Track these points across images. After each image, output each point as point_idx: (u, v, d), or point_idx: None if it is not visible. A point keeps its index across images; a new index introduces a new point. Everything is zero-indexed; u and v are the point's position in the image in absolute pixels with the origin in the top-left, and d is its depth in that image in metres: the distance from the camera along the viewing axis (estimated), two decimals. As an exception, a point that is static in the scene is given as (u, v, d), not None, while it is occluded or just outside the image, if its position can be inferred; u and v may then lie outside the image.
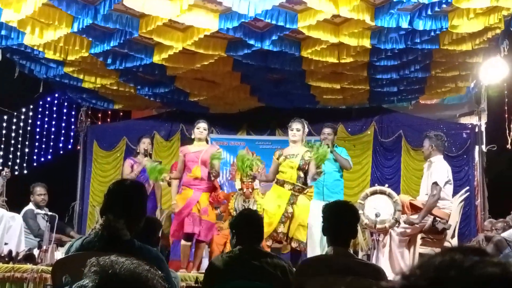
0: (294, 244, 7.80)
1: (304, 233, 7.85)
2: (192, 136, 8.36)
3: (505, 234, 8.12)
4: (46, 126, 12.18)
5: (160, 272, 1.75)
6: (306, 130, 8.30)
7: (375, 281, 3.98)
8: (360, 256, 8.64)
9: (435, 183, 7.33)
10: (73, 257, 3.31)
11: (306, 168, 7.98)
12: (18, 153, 11.56)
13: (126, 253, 3.09)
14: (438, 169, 7.46)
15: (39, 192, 9.08)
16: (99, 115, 13.20)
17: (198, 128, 8.19)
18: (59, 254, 7.20)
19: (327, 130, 8.63)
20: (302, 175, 7.99)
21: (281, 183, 7.99)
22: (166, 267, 3.54)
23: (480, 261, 1.03)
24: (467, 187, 9.86)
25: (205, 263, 7.86)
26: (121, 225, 3.28)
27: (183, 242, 7.96)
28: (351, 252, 4.54)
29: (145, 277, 1.65)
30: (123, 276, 1.63)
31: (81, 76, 10.09)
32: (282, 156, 8.07)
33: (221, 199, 8.79)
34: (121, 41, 7.99)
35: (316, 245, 7.83)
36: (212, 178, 8.08)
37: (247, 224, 4.44)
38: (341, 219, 4.30)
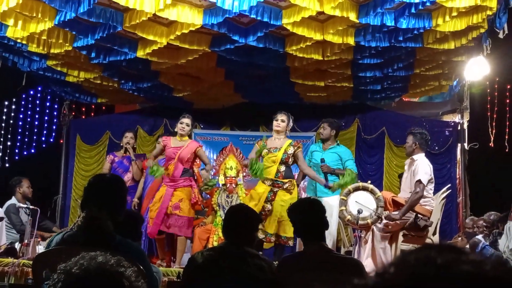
0: (273, 238, 7.85)
1: (283, 228, 7.87)
2: (175, 129, 8.38)
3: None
4: (29, 119, 12.13)
5: (134, 266, 1.75)
6: (290, 124, 8.38)
7: (352, 275, 4.00)
8: (342, 252, 8.68)
9: (419, 181, 7.37)
10: (54, 251, 3.30)
11: (289, 161, 8.05)
12: (0, 147, 11.50)
13: (107, 247, 3.10)
14: (421, 167, 7.49)
15: (28, 184, 9.13)
16: (83, 109, 13.11)
17: (181, 123, 8.21)
18: (41, 248, 7.18)
19: (322, 124, 8.88)
20: (283, 168, 8.04)
21: (263, 180, 8.06)
22: (147, 260, 3.54)
23: (454, 259, 1.04)
24: (449, 185, 9.96)
25: (186, 258, 7.88)
26: (104, 216, 3.27)
27: (157, 236, 8.11)
28: (328, 247, 4.53)
29: (115, 272, 1.65)
30: (90, 272, 1.63)
31: (64, 70, 10.02)
32: (265, 149, 8.13)
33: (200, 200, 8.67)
34: (105, 35, 7.94)
35: None
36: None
37: (233, 219, 4.38)
38: (308, 216, 4.31)
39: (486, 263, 1.04)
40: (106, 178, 3.80)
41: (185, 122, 8.20)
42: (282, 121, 8.22)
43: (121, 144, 9.69)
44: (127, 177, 9.19)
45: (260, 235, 7.90)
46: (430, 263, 1.03)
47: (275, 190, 7.97)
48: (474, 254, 1.07)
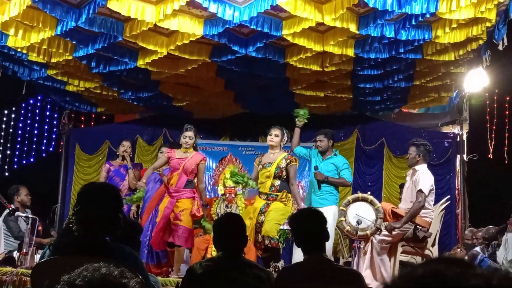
0: (266, 241, 7.87)
1: (275, 230, 7.89)
2: (180, 142, 8.36)
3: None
4: (28, 128, 12.14)
5: (137, 277, 1.75)
6: (285, 138, 8.40)
7: (352, 286, 4.00)
8: (341, 263, 8.66)
9: (420, 191, 7.37)
10: (51, 261, 3.27)
11: (282, 175, 8.08)
12: (0, 155, 11.49)
13: (102, 254, 3.08)
14: (423, 178, 7.50)
15: (26, 192, 9.11)
16: (82, 118, 13.12)
17: (184, 137, 8.17)
18: (39, 257, 7.16)
19: (317, 137, 8.68)
20: (277, 183, 8.10)
21: (259, 194, 8.15)
22: (144, 269, 3.45)
23: (463, 273, 1.04)
24: (448, 196, 9.95)
25: (184, 269, 7.86)
26: (95, 227, 3.22)
27: (169, 249, 8.17)
28: (328, 257, 4.51)
29: (119, 284, 1.65)
30: (94, 284, 1.63)
31: (64, 79, 10.03)
32: (260, 165, 8.20)
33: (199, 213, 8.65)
34: (105, 45, 7.96)
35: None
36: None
37: (228, 228, 4.35)
38: (309, 226, 4.28)
39: (493, 277, 1.04)
40: (97, 185, 3.77)
41: (188, 136, 8.15)
42: (276, 135, 8.25)
43: (117, 153, 9.71)
44: (123, 186, 9.21)
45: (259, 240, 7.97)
46: (439, 277, 1.03)
47: (269, 202, 8.06)
48: (481, 268, 1.07)
